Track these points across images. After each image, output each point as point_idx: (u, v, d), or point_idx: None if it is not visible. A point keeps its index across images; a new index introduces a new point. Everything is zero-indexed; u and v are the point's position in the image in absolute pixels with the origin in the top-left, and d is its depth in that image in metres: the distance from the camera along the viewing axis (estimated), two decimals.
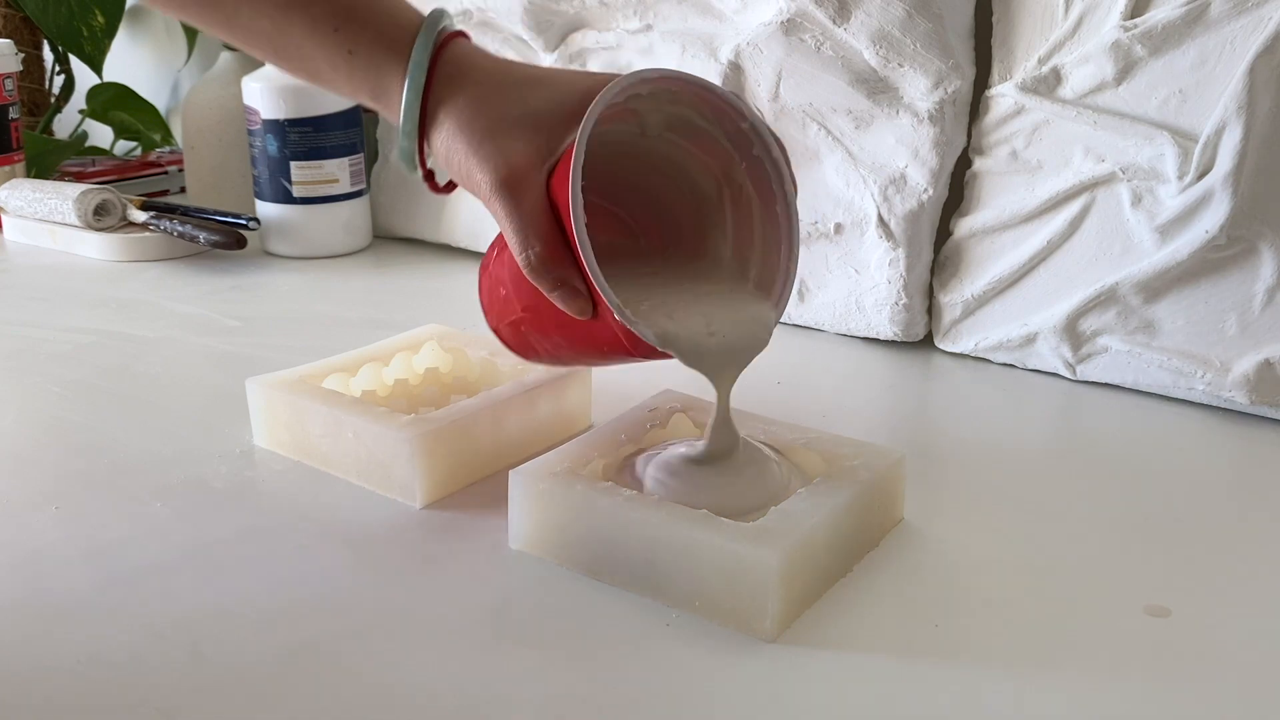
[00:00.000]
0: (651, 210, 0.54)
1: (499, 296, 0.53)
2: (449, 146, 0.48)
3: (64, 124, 1.49)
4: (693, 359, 0.46)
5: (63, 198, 0.98)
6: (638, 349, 0.47)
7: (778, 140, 0.50)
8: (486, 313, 0.54)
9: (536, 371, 0.59)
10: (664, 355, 0.47)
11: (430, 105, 0.49)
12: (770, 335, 0.48)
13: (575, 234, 0.44)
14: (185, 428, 0.61)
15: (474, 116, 0.48)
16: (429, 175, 0.52)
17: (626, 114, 0.48)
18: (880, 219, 0.72)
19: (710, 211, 0.53)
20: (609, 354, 0.49)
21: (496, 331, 0.54)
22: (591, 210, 0.47)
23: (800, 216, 0.51)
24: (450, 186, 0.54)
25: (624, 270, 0.50)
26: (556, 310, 0.47)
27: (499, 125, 0.47)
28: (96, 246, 0.97)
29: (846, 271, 0.75)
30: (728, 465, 0.48)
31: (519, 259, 0.46)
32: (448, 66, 0.49)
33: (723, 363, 0.48)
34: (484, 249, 0.95)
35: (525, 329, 0.52)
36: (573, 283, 0.46)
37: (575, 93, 0.48)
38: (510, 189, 0.46)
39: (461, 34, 0.51)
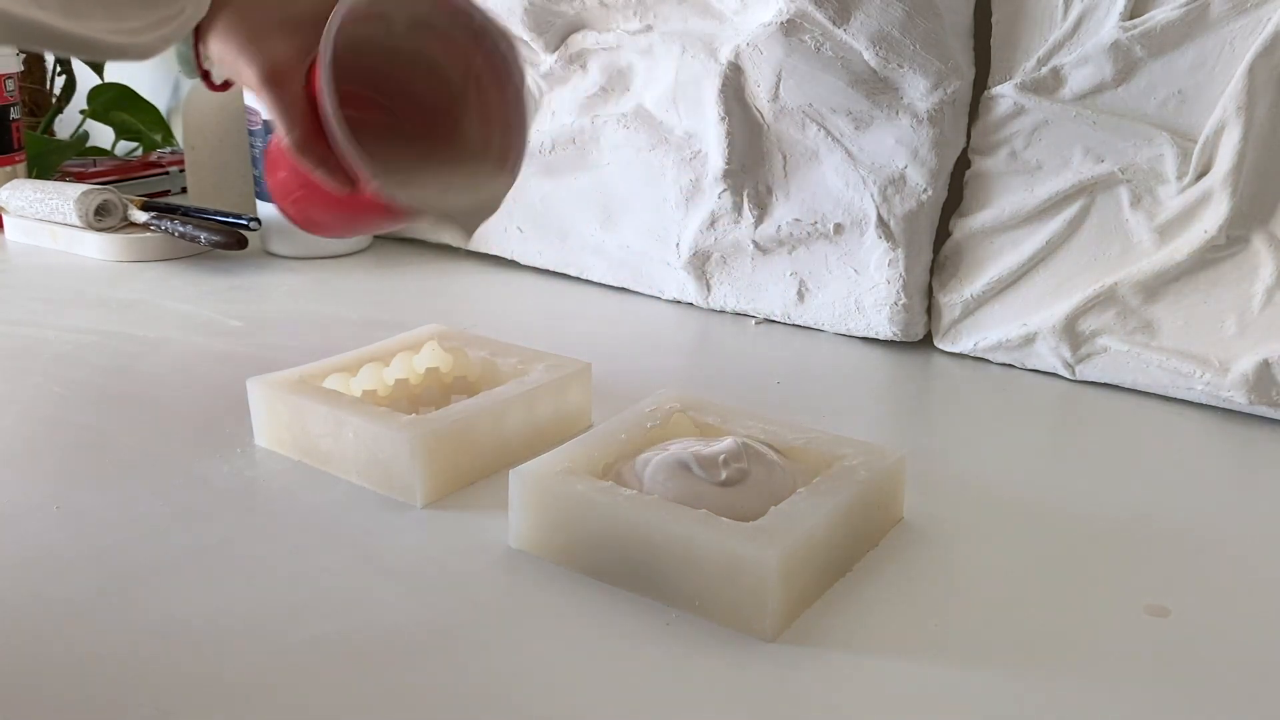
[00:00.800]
0: (409, 98, 0.61)
1: (280, 179, 0.60)
2: (222, 49, 0.55)
3: (65, 124, 1.49)
4: (435, 214, 0.55)
5: (64, 198, 0.98)
6: (392, 211, 0.55)
7: (506, 36, 0.58)
8: (272, 193, 0.61)
9: (536, 371, 0.59)
10: (416, 214, 0.56)
11: (203, 21, 0.54)
12: (500, 200, 0.58)
13: (327, 109, 0.51)
14: (185, 428, 0.61)
15: (241, 21, 0.54)
16: (205, 75, 0.58)
17: (374, 17, 0.55)
18: (880, 219, 0.72)
19: (459, 99, 0.60)
20: (373, 219, 0.59)
21: (282, 209, 0.61)
22: (353, 98, 0.55)
23: None
24: (225, 86, 0.60)
25: (384, 148, 0.58)
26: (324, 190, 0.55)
27: (264, 28, 0.54)
28: (97, 247, 0.97)
29: (846, 272, 0.75)
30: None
31: (289, 142, 0.54)
32: None
33: (460, 218, 0.56)
34: (484, 249, 0.95)
35: (304, 204, 0.59)
36: (330, 161, 0.53)
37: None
38: (273, 83, 0.54)
39: None
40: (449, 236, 0.56)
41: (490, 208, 0.57)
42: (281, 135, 0.54)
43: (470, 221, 0.56)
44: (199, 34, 0.55)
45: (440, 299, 0.87)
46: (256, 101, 0.55)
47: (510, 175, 0.58)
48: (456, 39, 0.57)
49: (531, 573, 0.46)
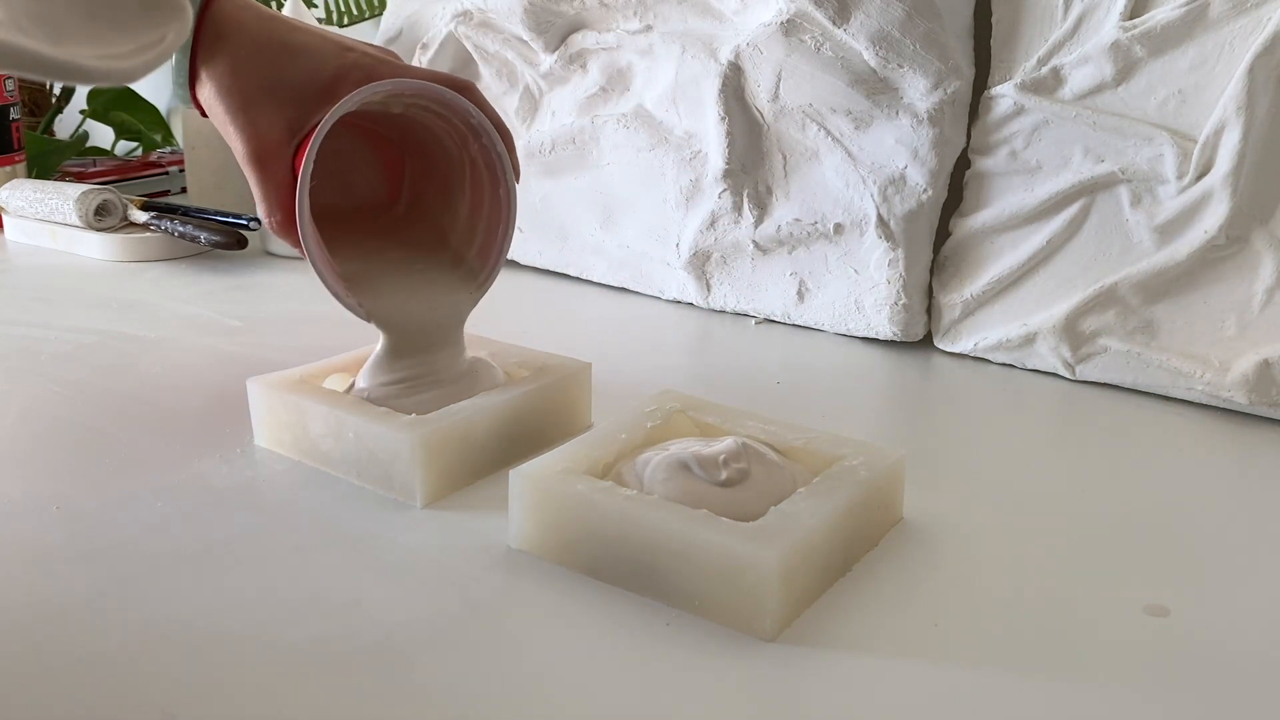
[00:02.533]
0: (413, 142, 0.61)
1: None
2: (211, 107, 0.54)
3: (65, 124, 1.49)
4: (388, 331, 0.56)
5: (64, 198, 0.98)
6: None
7: (503, 132, 0.57)
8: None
9: (536, 371, 0.59)
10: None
11: (197, 65, 0.54)
12: (462, 320, 0.58)
13: (303, 241, 0.52)
14: (185, 428, 0.61)
15: (232, 84, 0.53)
16: (199, 107, 0.57)
17: (371, 104, 0.55)
18: (880, 219, 0.72)
19: (455, 168, 0.60)
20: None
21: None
22: (354, 132, 0.58)
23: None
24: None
25: (373, 207, 0.62)
26: None
27: (255, 94, 0.53)
28: (97, 247, 0.97)
29: (846, 271, 0.75)
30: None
31: (265, 220, 0.54)
32: (212, 29, 0.54)
33: (413, 338, 0.57)
34: None
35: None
36: (296, 248, 0.54)
37: (327, 71, 0.54)
38: (259, 162, 0.53)
39: None
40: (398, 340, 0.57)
41: (438, 332, 0.57)
42: (263, 214, 0.54)
43: (418, 340, 0.57)
44: (193, 80, 0.55)
45: None
46: (240, 164, 0.56)
47: (479, 289, 0.59)
48: (456, 125, 0.58)
49: (531, 573, 0.46)
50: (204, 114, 0.58)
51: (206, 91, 0.55)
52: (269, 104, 0.54)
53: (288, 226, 0.54)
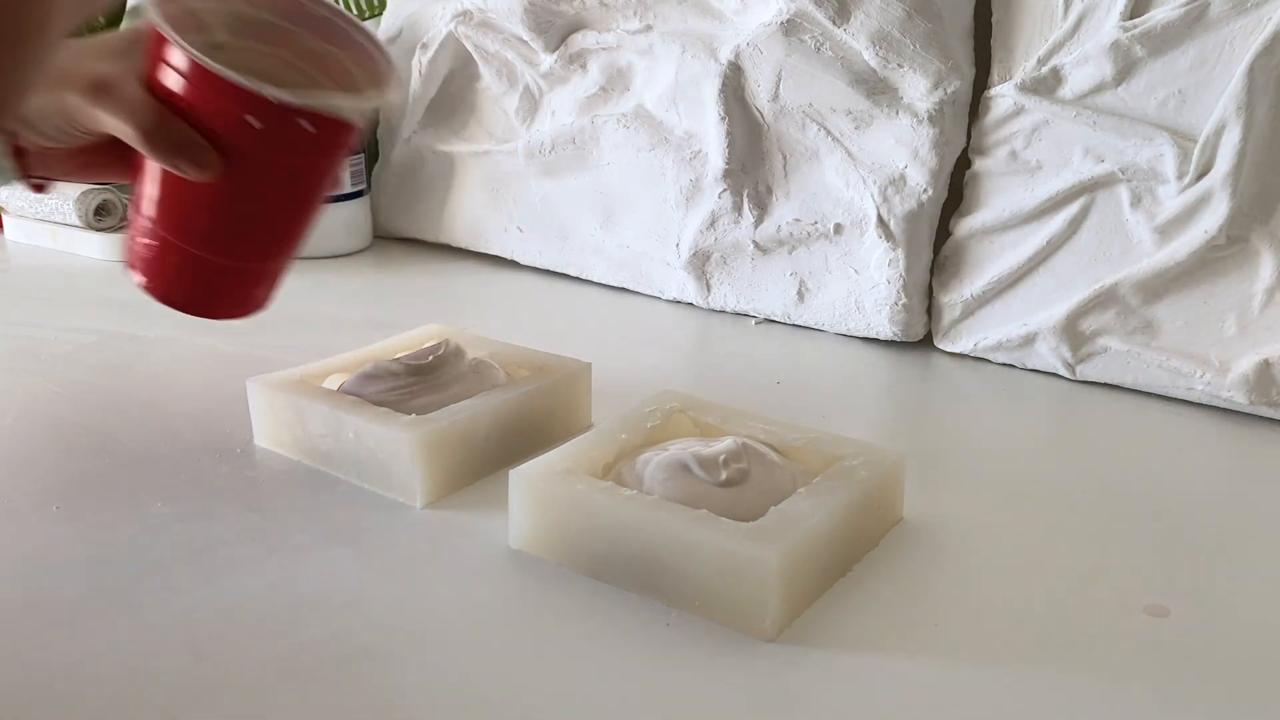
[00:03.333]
0: None
1: (151, 251, 0.53)
2: (40, 94, 0.48)
3: None
4: (334, 108, 0.49)
5: (63, 198, 0.98)
6: (285, 142, 0.49)
7: (329, 7, 0.53)
8: (150, 281, 0.54)
9: (536, 371, 0.59)
10: (307, 140, 0.49)
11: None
12: (394, 90, 0.52)
13: (186, 49, 0.46)
14: (185, 428, 0.61)
15: (54, 63, 0.47)
16: (25, 175, 0.53)
17: (190, 24, 0.49)
18: (880, 219, 0.72)
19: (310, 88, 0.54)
20: (261, 198, 0.51)
21: (169, 298, 0.54)
22: None
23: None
24: (40, 187, 0.55)
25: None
26: (199, 201, 0.49)
27: (80, 57, 0.49)
28: (97, 246, 0.97)
29: (846, 272, 0.75)
30: None
31: (136, 138, 0.47)
32: None
33: (348, 111, 0.50)
34: (484, 249, 0.95)
35: (188, 253, 0.52)
36: (194, 139, 0.48)
37: (136, 28, 0.50)
38: (106, 90, 0.48)
39: None
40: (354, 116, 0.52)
41: (387, 100, 0.52)
42: (132, 131, 0.48)
43: (366, 112, 0.51)
44: (15, 145, 0.51)
45: (440, 299, 0.87)
46: (88, 113, 0.50)
47: (390, 88, 0.52)
48: (274, 25, 0.53)
49: (531, 573, 0.46)
50: (32, 181, 0.54)
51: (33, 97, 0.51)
52: (96, 59, 0.49)
53: (166, 121, 0.47)
